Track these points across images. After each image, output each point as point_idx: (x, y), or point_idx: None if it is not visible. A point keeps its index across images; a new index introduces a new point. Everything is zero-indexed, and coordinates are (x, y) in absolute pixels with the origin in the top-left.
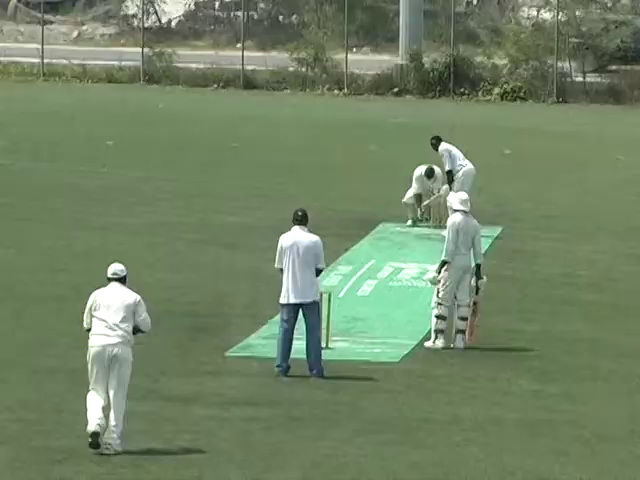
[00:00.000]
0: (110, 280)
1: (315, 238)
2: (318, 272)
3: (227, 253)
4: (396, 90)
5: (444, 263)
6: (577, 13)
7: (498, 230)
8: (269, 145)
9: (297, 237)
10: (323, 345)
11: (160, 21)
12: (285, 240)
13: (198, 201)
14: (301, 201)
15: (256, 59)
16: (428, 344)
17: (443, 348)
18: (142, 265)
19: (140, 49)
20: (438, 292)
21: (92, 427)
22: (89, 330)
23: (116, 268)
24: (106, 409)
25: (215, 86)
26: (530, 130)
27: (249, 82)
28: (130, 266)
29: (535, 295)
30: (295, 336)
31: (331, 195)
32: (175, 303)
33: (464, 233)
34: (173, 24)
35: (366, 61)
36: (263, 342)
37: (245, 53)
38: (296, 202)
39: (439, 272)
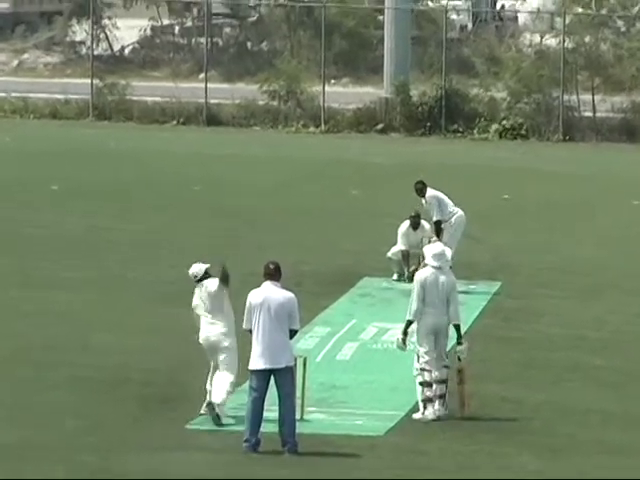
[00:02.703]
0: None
1: (289, 295)
2: (292, 334)
3: (188, 312)
4: (380, 127)
5: (409, 323)
6: (586, 39)
7: (496, 286)
8: (236, 189)
9: (268, 294)
10: (298, 417)
11: (112, 48)
12: (254, 297)
13: (154, 253)
14: (272, 252)
15: (221, 91)
16: (417, 416)
17: (433, 419)
18: (91, 326)
19: (89, 80)
20: (419, 357)
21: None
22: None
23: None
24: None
25: (174, 122)
26: (532, 172)
27: (213, 118)
28: (77, 327)
29: (538, 359)
30: (266, 406)
31: (306, 246)
32: (129, 370)
33: (434, 289)
34: (126, 52)
35: (346, 94)
36: (229, 413)
37: (208, 85)
38: (267, 254)
39: (405, 333)
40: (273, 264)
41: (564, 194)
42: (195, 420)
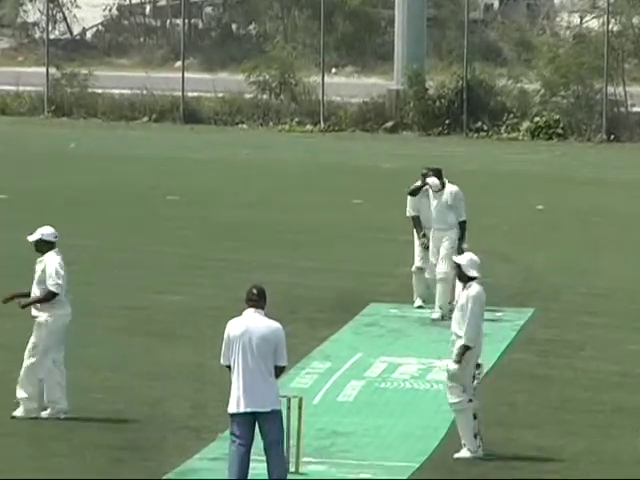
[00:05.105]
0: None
1: (274, 325)
2: (278, 371)
3: (162, 345)
4: (390, 125)
5: (466, 349)
6: (634, 21)
7: (528, 313)
8: (218, 199)
9: (250, 324)
10: (292, 469)
11: (71, 31)
12: (234, 328)
13: (123, 274)
14: (261, 274)
15: (201, 83)
16: (463, 454)
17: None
18: None
19: (44, 69)
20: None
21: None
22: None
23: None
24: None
25: (146, 119)
26: (571, 178)
27: (192, 114)
28: None
29: (577, 401)
30: (253, 456)
31: (302, 266)
32: (92, 412)
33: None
34: (88, 35)
35: (349, 85)
36: (210, 465)
37: (186, 75)
38: (254, 276)
39: (459, 361)
40: (257, 288)
41: (609, 205)
42: (170, 474)
